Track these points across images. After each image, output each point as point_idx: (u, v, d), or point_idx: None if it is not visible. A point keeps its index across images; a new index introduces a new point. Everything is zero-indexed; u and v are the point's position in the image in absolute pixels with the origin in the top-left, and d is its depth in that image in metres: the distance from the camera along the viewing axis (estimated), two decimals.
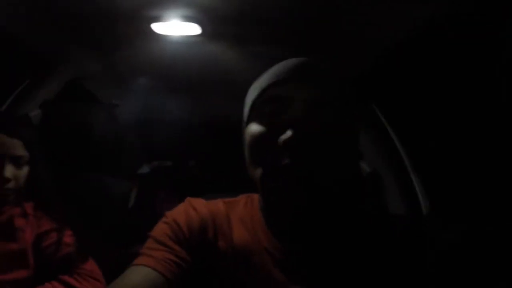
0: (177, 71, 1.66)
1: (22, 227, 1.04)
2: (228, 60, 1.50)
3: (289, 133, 0.54)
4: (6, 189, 1.03)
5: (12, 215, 1.05)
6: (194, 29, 1.30)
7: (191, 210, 0.66)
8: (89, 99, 1.89)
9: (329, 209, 0.61)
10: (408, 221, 0.72)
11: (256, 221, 0.65)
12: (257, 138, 0.59)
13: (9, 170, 1.03)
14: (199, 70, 1.64)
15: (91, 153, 1.61)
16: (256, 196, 0.70)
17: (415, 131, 1.51)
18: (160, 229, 0.65)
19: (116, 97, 2.07)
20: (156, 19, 1.25)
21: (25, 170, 1.07)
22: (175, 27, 1.30)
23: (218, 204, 0.68)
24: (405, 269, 0.57)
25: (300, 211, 0.59)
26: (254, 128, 0.60)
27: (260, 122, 0.60)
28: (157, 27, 1.30)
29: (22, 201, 1.09)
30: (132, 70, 1.71)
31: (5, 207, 1.05)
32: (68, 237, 1.08)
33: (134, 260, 0.61)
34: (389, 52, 1.35)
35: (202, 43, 1.40)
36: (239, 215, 0.67)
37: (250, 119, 0.63)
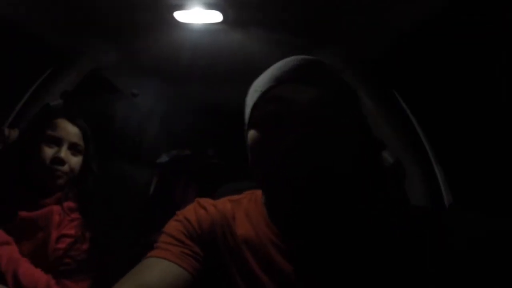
0: (199, 59, 1.65)
1: (55, 225, 1.05)
2: (250, 47, 1.49)
3: (291, 135, 0.54)
4: (59, 170, 1.06)
5: (53, 210, 1.07)
6: (216, 17, 1.29)
7: (201, 209, 0.68)
8: (110, 89, 1.91)
9: (335, 205, 0.60)
10: (429, 213, 0.71)
11: (260, 216, 0.66)
12: (260, 141, 0.60)
13: (65, 154, 1.08)
14: (221, 58, 1.63)
15: (113, 142, 1.63)
16: (259, 192, 0.71)
17: (438, 120, 1.48)
18: (173, 226, 0.67)
19: (137, 86, 2.09)
20: (178, 7, 1.25)
21: (78, 159, 1.12)
22: (197, 15, 1.29)
23: (225, 203, 0.70)
24: (423, 260, 0.55)
25: (303, 209, 0.59)
26: (256, 131, 0.61)
27: (262, 125, 0.60)
28: (179, 15, 1.29)
29: (64, 198, 1.10)
30: (153, 59, 1.71)
31: (47, 200, 1.06)
32: (80, 253, 1.05)
33: (149, 252, 0.63)
34: (411, 36, 1.31)
35: (224, 30, 1.39)
36: (244, 211, 0.68)
37: (252, 121, 0.63)
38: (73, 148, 1.10)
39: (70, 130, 1.10)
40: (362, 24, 1.29)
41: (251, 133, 0.62)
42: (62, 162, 1.06)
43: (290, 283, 0.59)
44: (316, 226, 0.61)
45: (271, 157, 0.57)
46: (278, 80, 0.60)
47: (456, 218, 0.62)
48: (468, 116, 1.30)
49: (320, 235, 0.60)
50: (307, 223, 0.61)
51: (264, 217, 0.66)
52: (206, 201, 0.71)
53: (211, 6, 1.23)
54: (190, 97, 2.27)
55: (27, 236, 1.01)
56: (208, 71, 1.77)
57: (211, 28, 1.38)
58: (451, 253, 0.55)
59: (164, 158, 2.39)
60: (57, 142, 1.08)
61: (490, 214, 0.67)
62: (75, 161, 1.11)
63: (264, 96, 0.61)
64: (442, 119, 1.45)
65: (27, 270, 0.93)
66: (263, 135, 0.60)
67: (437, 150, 1.50)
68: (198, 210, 0.68)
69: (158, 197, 1.82)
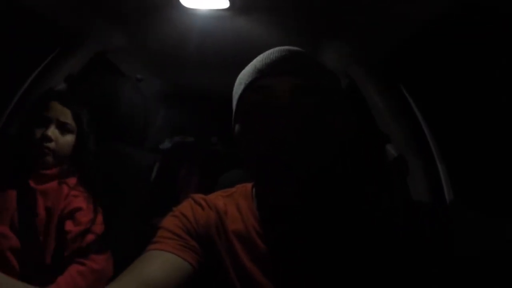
0: (204, 45, 1.64)
1: (64, 196, 1.11)
2: (257, 35, 1.47)
3: (274, 123, 0.56)
4: (46, 147, 1.12)
5: (64, 182, 1.14)
6: (222, 3, 1.27)
7: (196, 206, 0.70)
8: (115, 72, 1.90)
9: (322, 196, 0.61)
10: (433, 212, 0.70)
11: (249, 209, 0.68)
12: (245, 132, 0.62)
13: (52, 132, 1.14)
14: (226, 45, 1.61)
15: (117, 126, 1.63)
16: (249, 186, 0.73)
17: (443, 117, 1.47)
18: (170, 221, 0.67)
19: (142, 71, 2.08)
20: None
21: (68, 138, 1.18)
22: (203, 0, 1.27)
23: (218, 199, 0.71)
24: (426, 260, 0.55)
25: (290, 200, 0.60)
26: (242, 122, 0.63)
27: (247, 116, 0.62)
28: (186, 0, 1.28)
29: (66, 175, 1.17)
30: (159, 44, 1.70)
31: (48, 171, 1.13)
32: (97, 226, 1.10)
33: (148, 246, 0.63)
34: (421, 32, 1.29)
35: (230, 17, 1.37)
36: (236, 206, 0.70)
37: (238, 113, 0.65)
38: (62, 127, 1.16)
39: (59, 110, 1.16)
40: (372, 18, 1.27)
41: (237, 125, 0.64)
42: (48, 139, 1.12)
43: (278, 274, 0.59)
44: (305, 218, 0.61)
45: (256, 147, 0.58)
46: (261, 72, 0.61)
47: (460, 218, 0.62)
48: (474, 114, 1.29)
49: (309, 228, 0.61)
50: (295, 216, 0.62)
51: (252, 210, 0.67)
52: (201, 198, 0.72)
53: None
54: (195, 83, 2.25)
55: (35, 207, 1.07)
56: (214, 57, 1.76)
57: (217, 14, 1.36)
58: (454, 254, 0.55)
59: (167, 144, 2.39)
60: (46, 121, 1.14)
61: (491, 213, 0.67)
62: (63, 139, 1.16)
63: (248, 88, 0.62)
64: (447, 116, 1.44)
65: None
66: (248, 126, 0.61)
67: (441, 147, 1.49)
68: (194, 207, 0.69)
69: (160, 182, 1.83)
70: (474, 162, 1.30)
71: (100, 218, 1.12)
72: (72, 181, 1.17)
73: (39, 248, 1.04)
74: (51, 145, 1.13)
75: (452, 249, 0.55)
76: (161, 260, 0.59)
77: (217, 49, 1.67)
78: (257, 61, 0.64)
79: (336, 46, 1.52)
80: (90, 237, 1.06)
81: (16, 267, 1.01)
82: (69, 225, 1.06)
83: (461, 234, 0.58)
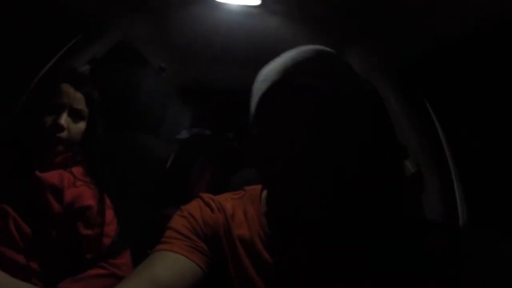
0: (230, 41, 1.64)
1: (70, 184, 1.04)
2: (284, 35, 1.46)
3: (301, 126, 0.53)
4: (58, 137, 1.04)
5: (70, 171, 1.06)
6: (254, 0, 1.26)
7: (205, 207, 0.68)
8: (137, 60, 1.92)
9: (340, 208, 0.59)
10: (445, 234, 0.69)
11: (255, 213, 0.67)
12: (267, 134, 0.58)
13: (65, 120, 1.05)
14: (253, 42, 1.61)
15: (136, 113, 1.65)
16: (258, 188, 0.71)
17: (464, 134, 1.44)
18: (178, 222, 0.67)
19: (165, 61, 2.10)
20: None
21: (80, 125, 1.09)
22: None
23: (227, 202, 0.70)
24: (430, 277, 0.54)
25: (309, 210, 0.57)
26: (264, 122, 0.59)
27: (270, 116, 0.57)
28: None
29: (72, 163, 1.08)
30: (184, 36, 1.70)
31: (55, 159, 1.06)
32: (110, 226, 1.04)
33: (156, 246, 0.63)
34: (448, 46, 1.26)
35: (259, 15, 1.36)
36: (243, 210, 0.68)
37: (259, 112, 0.60)
38: (74, 114, 1.07)
39: (72, 96, 1.07)
40: (401, 27, 1.25)
41: (257, 125, 0.60)
42: (61, 128, 1.04)
43: (280, 283, 0.59)
44: (314, 230, 0.60)
45: (277, 152, 0.55)
46: (291, 71, 0.57)
47: (473, 243, 0.60)
48: (495, 134, 1.26)
49: (316, 240, 0.60)
50: (306, 227, 0.60)
51: (259, 216, 0.66)
52: (210, 198, 0.71)
53: None
54: (217, 78, 2.26)
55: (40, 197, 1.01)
56: (239, 54, 1.75)
57: (247, 11, 1.35)
58: (464, 278, 0.54)
59: (184, 135, 2.41)
60: (59, 108, 1.05)
61: (506, 240, 0.65)
62: (76, 127, 1.08)
63: (275, 86, 0.57)
64: (469, 134, 1.42)
65: None
66: (270, 127, 0.57)
67: (459, 165, 1.46)
68: (203, 208, 0.68)
69: (174, 172, 1.84)
70: (492, 184, 1.27)
71: (110, 214, 1.06)
72: (78, 170, 1.08)
73: (49, 239, 0.99)
74: (63, 134, 1.04)
75: (459, 272, 0.54)
76: (170, 261, 0.59)
77: (243, 45, 1.66)
78: (287, 58, 0.60)
79: (362, 51, 1.50)
80: (106, 240, 1.01)
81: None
82: (81, 228, 1.00)
83: (471, 258, 0.57)
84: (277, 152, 0.55)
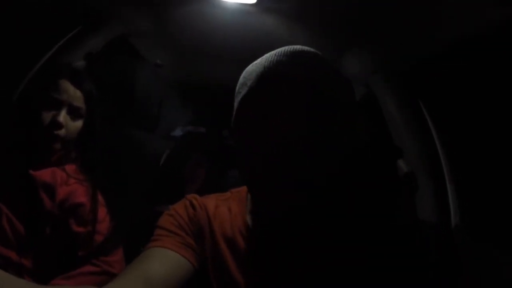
0: (226, 39, 1.63)
1: (62, 183, 1.03)
2: (280, 35, 1.46)
3: (281, 130, 0.53)
4: (56, 134, 1.03)
5: (63, 169, 1.05)
6: None
7: (189, 206, 0.70)
8: (134, 56, 1.91)
9: (325, 207, 0.59)
10: (434, 230, 0.69)
11: (239, 214, 0.68)
12: (247, 138, 0.58)
13: (64, 117, 1.03)
14: (249, 41, 1.60)
15: (130, 110, 1.64)
16: (244, 190, 0.73)
17: (459, 138, 1.45)
18: (166, 220, 0.68)
19: (162, 57, 2.09)
20: None
21: (78, 123, 1.08)
22: None
23: (211, 202, 0.71)
24: (421, 277, 0.54)
25: (291, 209, 0.57)
26: (244, 125, 0.59)
27: (250, 119, 0.57)
28: None
29: (65, 161, 1.08)
30: (181, 32, 1.70)
31: (50, 158, 1.05)
32: (102, 224, 1.04)
33: (147, 245, 0.64)
34: (447, 51, 1.27)
35: (256, 13, 1.36)
36: (227, 208, 0.70)
37: (240, 115, 0.61)
38: (73, 112, 1.06)
39: (71, 93, 1.05)
40: (401, 32, 1.25)
41: (238, 127, 0.61)
42: (59, 125, 1.02)
43: (261, 280, 0.60)
44: (298, 228, 0.60)
45: (258, 155, 0.55)
46: (270, 74, 0.56)
47: (466, 245, 0.61)
48: (491, 140, 1.27)
49: (300, 238, 0.60)
50: (288, 225, 0.61)
51: (243, 214, 0.67)
52: (194, 198, 0.72)
53: None
54: (212, 76, 2.25)
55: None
56: (234, 52, 1.74)
57: (243, 9, 1.35)
58: (458, 280, 0.54)
59: (178, 132, 2.41)
60: (57, 105, 1.04)
61: (496, 244, 0.66)
62: (73, 125, 1.07)
63: (254, 90, 0.57)
64: (464, 139, 1.42)
65: None
66: (250, 130, 0.57)
67: (453, 168, 1.47)
68: (188, 207, 0.70)
69: (168, 169, 1.84)
70: (485, 188, 1.28)
71: (103, 212, 1.05)
72: (71, 167, 1.07)
73: (42, 237, 0.98)
74: (61, 132, 1.03)
75: (451, 272, 0.54)
76: (162, 257, 0.60)
77: (239, 43, 1.66)
78: (266, 61, 0.58)
79: (360, 54, 1.51)
80: (98, 238, 1.00)
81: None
82: (74, 225, 0.99)
83: (462, 260, 0.57)
84: (257, 154, 0.56)
